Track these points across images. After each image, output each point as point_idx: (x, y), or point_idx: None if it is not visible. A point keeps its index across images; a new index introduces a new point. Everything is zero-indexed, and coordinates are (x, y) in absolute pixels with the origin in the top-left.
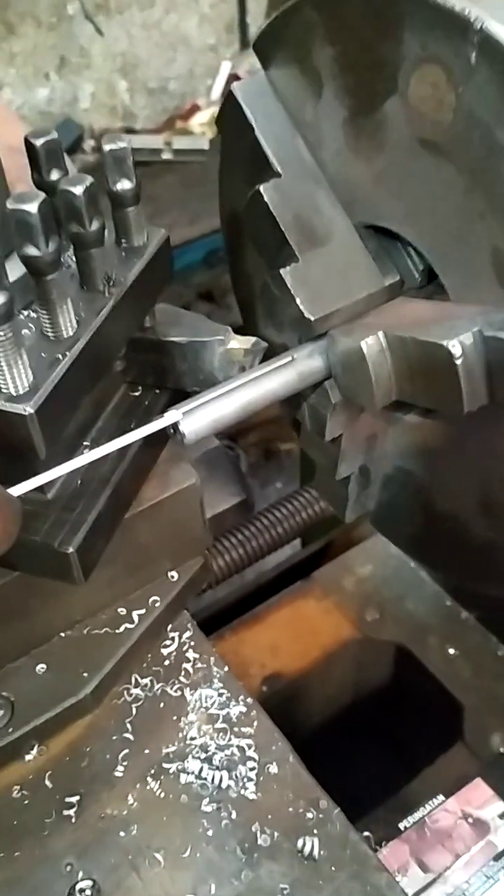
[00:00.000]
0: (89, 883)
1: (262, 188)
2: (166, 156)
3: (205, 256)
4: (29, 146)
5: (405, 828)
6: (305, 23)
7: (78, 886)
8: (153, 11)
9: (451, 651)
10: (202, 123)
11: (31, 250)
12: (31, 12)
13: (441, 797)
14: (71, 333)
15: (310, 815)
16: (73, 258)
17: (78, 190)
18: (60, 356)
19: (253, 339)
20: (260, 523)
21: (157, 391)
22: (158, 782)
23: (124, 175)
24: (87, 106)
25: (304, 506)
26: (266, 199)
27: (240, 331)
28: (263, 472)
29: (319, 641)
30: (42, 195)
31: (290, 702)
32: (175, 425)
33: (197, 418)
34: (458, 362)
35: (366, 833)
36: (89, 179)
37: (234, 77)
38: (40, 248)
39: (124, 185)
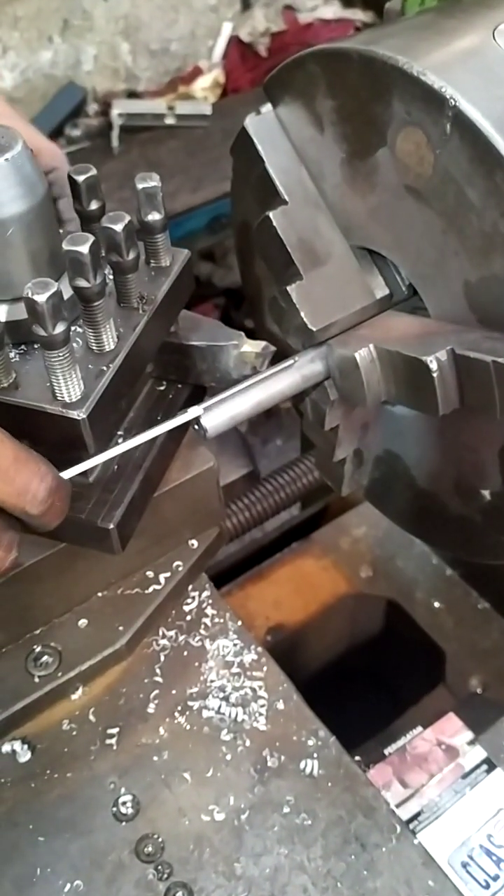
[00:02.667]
0: (130, 797)
1: (271, 215)
2: (169, 121)
3: (208, 223)
4: (72, 182)
5: (389, 753)
6: (309, 75)
7: (120, 800)
8: None
9: (436, 604)
10: (204, 88)
11: (82, 283)
12: None
13: (420, 728)
14: (113, 347)
15: (310, 743)
16: (111, 277)
17: (118, 227)
18: (105, 368)
19: (263, 343)
20: (265, 488)
21: (180, 386)
22: (185, 717)
23: (155, 209)
24: (90, 68)
25: (304, 472)
26: (275, 223)
27: (250, 334)
28: (264, 430)
29: (318, 596)
30: (91, 238)
31: (292, 650)
32: (198, 421)
33: (217, 415)
34: (435, 375)
35: (357, 758)
36: (127, 218)
37: (235, 38)
38: (90, 282)
39: (154, 216)
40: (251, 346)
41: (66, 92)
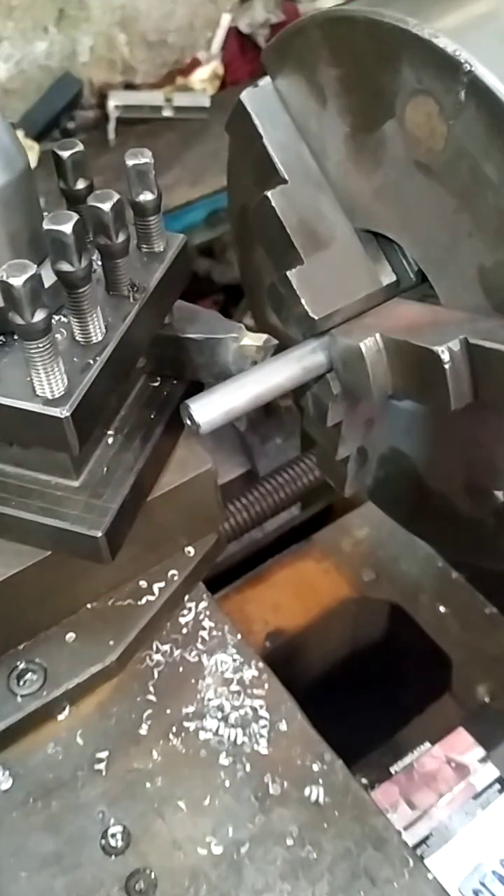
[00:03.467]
0: (120, 828)
1: (269, 194)
2: (167, 113)
3: (207, 217)
4: (57, 158)
5: (396, 771)
6: (310, 43)
7: (110, 832)
8: None
9: (442, 609)
10: (203, 80)
11: (66, 266)
12: None
13: (428, 744)
14: (100, 338)
15: (315, 767)
16: (100, 263)
17: (106, 206)
18: (91, 361)
19: (264, 336)
20: (264, 488)
21: (175, 382)
22: (180, 739)
23: (147, 188)
24: (86, 59)
25: (304, 472)
26: (273, 203)
27: (251, 331)
28: (263, 428)
29: (319, 600)
30: (76, 216)
31: (292, 656)
32: (190, 415)
33: (211, 409)
34: (447, 366)
35: (363, 780)
36: (116, 196)
37: (234, 30)
38: (74, 265)
39: (146, 196)
40: (252, 339)
41: (62, 83)
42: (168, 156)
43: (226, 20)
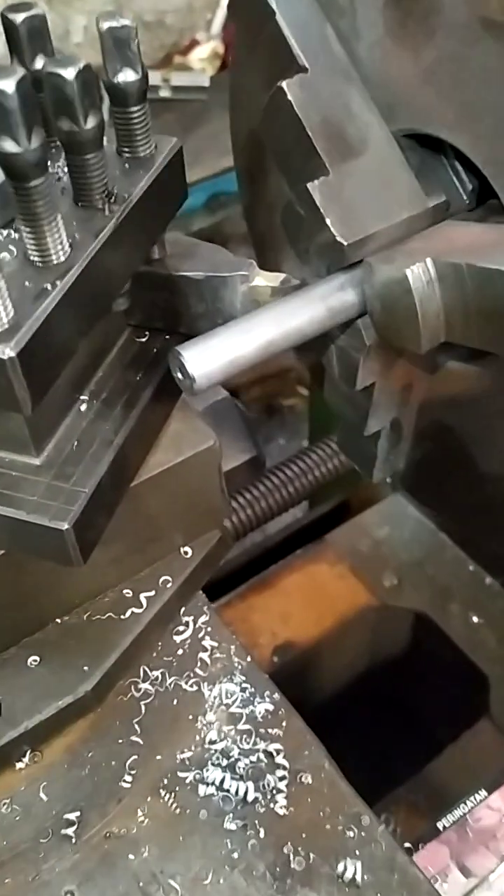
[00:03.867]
0: None
1: (285, 84)
2: (164, 93)
3: (206, 201)
4: (7, 25)
5: (444, 827)
6: None
7: None
8: None
9: (475, 619)
10: (202, 59)
11: (9, 145)
12: None
13: (483, 792)
14: (62, 259)
15: (350, 834)
16: (66, 170)
17: (69, 73)
18: (49, 286)
19: (282, 275)
20: (270, 482)
21: (168, 336)
22: (173, 795)
23: (127, 63)
24: (79, 40)
25: (316, 463)
26: (290, 96)
27: None
28: (266, 429)
29: (334, 608)
30: (21, 71)
31: (303, 672)
32: (182, 366)
33: (209, 358)
34: None
35: (406, 844)
36: (83, 62)
37: None
38: (20, 143)
39: (127, 76)
40: (266, 279)
41: None
42: None
43: (227, 1)
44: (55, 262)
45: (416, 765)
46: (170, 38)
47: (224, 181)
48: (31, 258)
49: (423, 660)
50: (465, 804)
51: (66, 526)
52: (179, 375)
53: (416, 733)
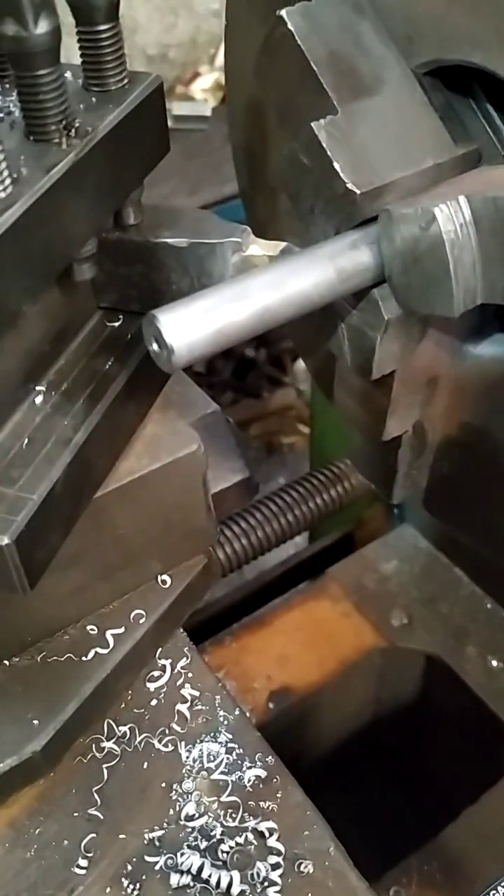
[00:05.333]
0: None
1: (285, 13)
2: None
3: None
4: None
5: None
6: None
7: None
8: None
9: (494, 662)
10: (204, 89)
11: None
12: None
13: None
14: (2, 196)
15: None
16: (18, 103)
17: None
18: None
19: (281, 244)
20: (267, 508)
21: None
22: (138, 886)
23: None
24: None
25: (317, 489)
26: (291, 26)
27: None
28: (265, 467)
29: (336, 650)
30: None
31: (301, 722)
32: (158, 334)
33: (191, 325)
34: None
35: None
36: None
37: None
38: None
39: None
40: (263, 248)
41: None
42: (166, 167)
43: None
44: None
45: (429, 830)
46: (172, 72)
47: (226, 210)
48: None
49: (435, 709)
50: (498, 891)
51: (6, 541)
52: (155, 346)
53: (428, 793)
